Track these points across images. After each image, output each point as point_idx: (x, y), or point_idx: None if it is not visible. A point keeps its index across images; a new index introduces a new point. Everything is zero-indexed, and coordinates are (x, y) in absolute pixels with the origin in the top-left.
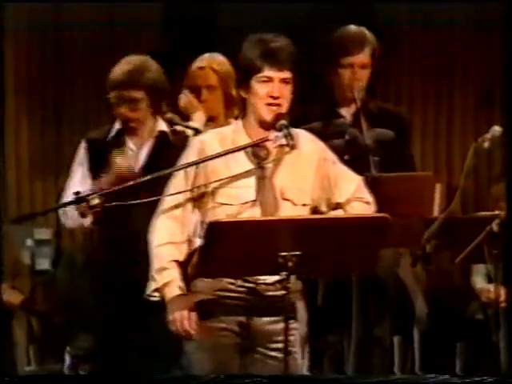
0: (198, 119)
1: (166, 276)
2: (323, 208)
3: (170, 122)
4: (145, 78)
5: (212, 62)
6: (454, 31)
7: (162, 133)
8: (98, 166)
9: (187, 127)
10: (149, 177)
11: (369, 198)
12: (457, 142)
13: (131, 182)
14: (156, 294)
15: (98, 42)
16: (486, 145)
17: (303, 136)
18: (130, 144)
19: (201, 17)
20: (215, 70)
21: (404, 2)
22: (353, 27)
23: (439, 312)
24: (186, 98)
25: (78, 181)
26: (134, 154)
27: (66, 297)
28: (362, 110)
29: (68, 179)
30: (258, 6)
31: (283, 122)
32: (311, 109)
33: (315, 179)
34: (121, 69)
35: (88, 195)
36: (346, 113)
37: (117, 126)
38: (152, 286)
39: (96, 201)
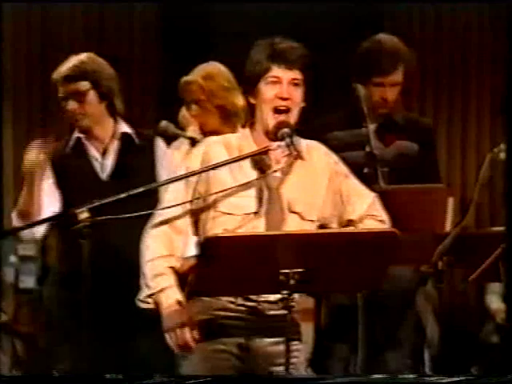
0: (192, 133)
1: (162, 281)
2: (334, 225)
3: (165, 131)
4: (89, 70)
5: (200, 76)
6: (469, 41)
7: (125, 135)
8: (63, 179)
9: (183, 136)
10: (142, 189)
11: (383, 216)
12: (471, 152)
13: (123, 195)
14: (149, 300)
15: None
16: (502, 155)
17: (316, 148)
18: (93, 151)
19: (197, 23)
20: (201, 85)
21: (415, 9)
22: (386, 39)
23: (451, 334)
24: (182, 111)
25: (46, 196)
26: (99, 162)
27: (52, 317)
28: (382, 122)
29: (26, 196)
30: (258, 9)
31: (286, 130)
32: (333, 117)
33: (327, 194)
34: (65, 65)
35: (76, 209)
36: (369, 123)
37: (75, 134)
38: (145, 292)
39: (85, 215)
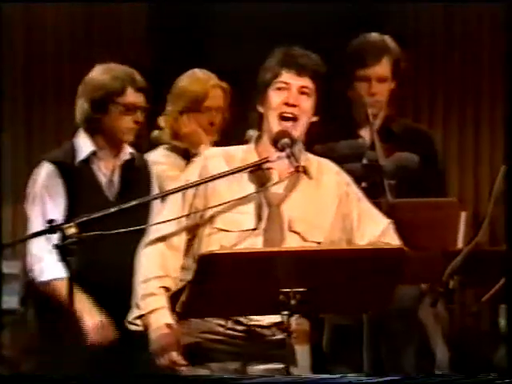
0: (185, 143)
1: (152, 302)
2: None
3: (157, 140)
4: (140, 82)
5: (216, 79)
6: (481, 49)
7: (131, 155)
8: (71, 194)
9: (178, 147)
10: (134, 202)
11: (396, 243)
12: (484, 164)
13: (113, 209)
14: (138, 321)
15: (74, 56)
16: None
17: (327, 167)
18: (103, 168)
19: (189, 26)
20: (225, 89)
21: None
22: (373, 35)
23: (463, 358)
24: (190, 124)
25: (52, 210)
26: (108, 180)
27: (36, 340)
28: (378, 131)
29: (33, 207)
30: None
31: (286, 140)
32: (326, 128)
33: (336, 218)
34: (108, 74)
35: (63, 224)
36: (365, 133)
37: (90, 146)
38: (135, 313)
39: (72, 230)
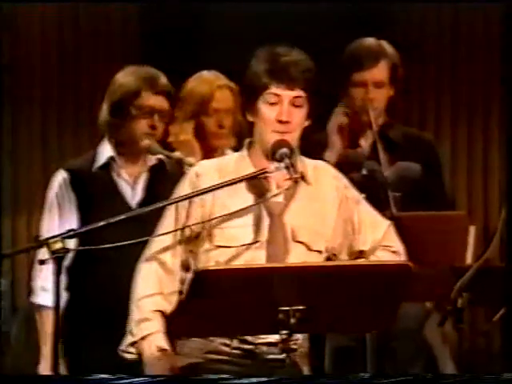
0: (179, 154)
1: (146, 328)
2: (343, 257)
3: (148, 150)
4: (161, 85)
5: (225, 79)
6: (491, 56)
7: (159, 160)
8: (86, 202)
9: (169, 157)
10: (123, 216)
11: (398, 246)
12: (494, 177)
13: (102, 223)
14: (132, 349)
15: (62, 56)
16: None
17: (323, 170)
18: (124, 174)
19: (182, 26)
20: (234, 90)
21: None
22: (369, 39)
23: (473, 381)
24: (189, 132)
25: (62, 220)
26: (131, 187)
27: (21, 361)
28: (379, 139)
29: (45, 218)
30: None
31: (284, 150)
32: (323, 136)
33: (337, 223)
34: (130, 76)
35: (49, 238)
36: (364, 142)
37: (109, 152)
38: (128, 339)
39: (59, 245)
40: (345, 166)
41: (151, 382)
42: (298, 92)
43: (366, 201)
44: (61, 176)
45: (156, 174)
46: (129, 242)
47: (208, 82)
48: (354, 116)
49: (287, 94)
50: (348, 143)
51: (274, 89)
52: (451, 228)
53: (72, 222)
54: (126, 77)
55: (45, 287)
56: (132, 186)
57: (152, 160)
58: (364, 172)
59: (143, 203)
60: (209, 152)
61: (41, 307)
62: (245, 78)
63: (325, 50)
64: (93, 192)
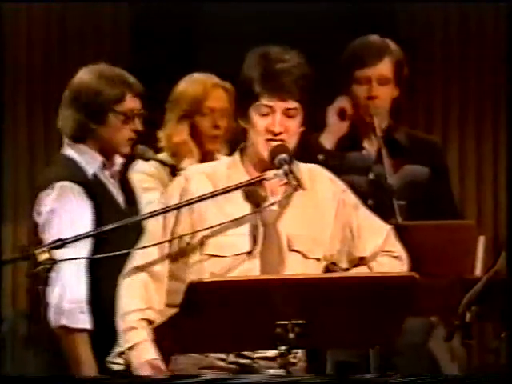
0: (172, 159)
1: (133, 337)
2: (343, 264)
3: (142, 156)
4: (136, 85)
5: (217, 79)
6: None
7: (126, 156)
8: (97, 211)
9: (164, 164)
10: (112, 226)
11: (400, 251)
12: (504, 186)
13: (92, 232)
14: (119, 360)
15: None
16: None
17: (319, 174)
18: (109, 177)
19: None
20: (228, 90)
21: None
22: (373, 36)
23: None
24: (183, 133)
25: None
26: (116, 190)
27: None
28: (383, 142)
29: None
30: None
31: (284, 156)
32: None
33: (335, 229)
34: (102, 79)
35: (35, 248)
36: (369, 144)
37: (95, 157)
38: (116, 350)
39: (45, 256)
40: (349, 169)
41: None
42: (292, 103)
43: (372, 207)
44: (68, 187)
45: (125, 171)
46: (118, 252)
47: (201, 81)
48: (358, 110)
49: (280, 106)
50: (348, 132)
51: (266, 100)
52: (459, 238)
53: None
54: (97, 79)
55: (82, 309)
56: (117, 189)
57: (119, 159)
58: (371, 177)
59: (127, 202)
60: (202, 156)
61: (75, 330)
62: (238, 80)
63: (325, 49)
64: (97, 199)
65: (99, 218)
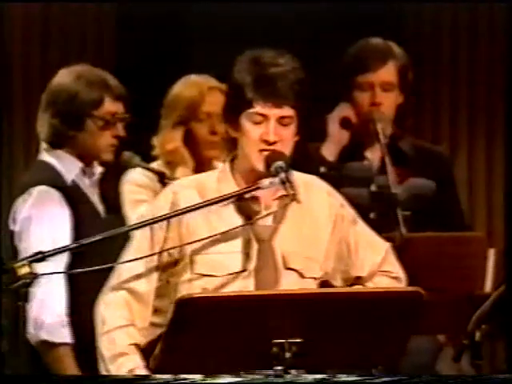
0: (161, 167)
1: (125, 363)
2: (337, 282)
3: (128, 163)
4: (117, 88)
5: (213, 81)
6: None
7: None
8: (75, 218)
9: (152, 171)
10: (99, 237)
11: (398, 272)
12: None
13: (74, 245)
14: None
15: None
16: None
17: (316, 186)
18: (88, 184)
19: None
20: (224, 92)
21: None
22: (376, 39)
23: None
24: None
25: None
26: (96, 197)
27: None
28: (387, 152)
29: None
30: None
31: (280, 163)
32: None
33: (330, 244)
34: (80, 81)
35: (14, 262)
36: (370, 154)
37: (78, 164)
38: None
39: (26, 270)
40: (350, 181)
41: None
42: (287, 111)
43: (375, 221)
44: (46, 192)
45: (105, 179)
46: (99, 267)
47: (197, 84)
48: (360, 118)
49: (274, 114)
50: (350, 141)
51: (259, 108)
52: (468, 251)
53: (65, 239)
54: (75, 81)
55: (62, 323)
56: (97, 196)
57: (98, 167)
58: (373, 188)
59: (108, 210)
60: (199, 164)
61: (58, 345)
62: (228, 85)
63: (324, 52)
64: (76, 206)
65: (79, 226)
